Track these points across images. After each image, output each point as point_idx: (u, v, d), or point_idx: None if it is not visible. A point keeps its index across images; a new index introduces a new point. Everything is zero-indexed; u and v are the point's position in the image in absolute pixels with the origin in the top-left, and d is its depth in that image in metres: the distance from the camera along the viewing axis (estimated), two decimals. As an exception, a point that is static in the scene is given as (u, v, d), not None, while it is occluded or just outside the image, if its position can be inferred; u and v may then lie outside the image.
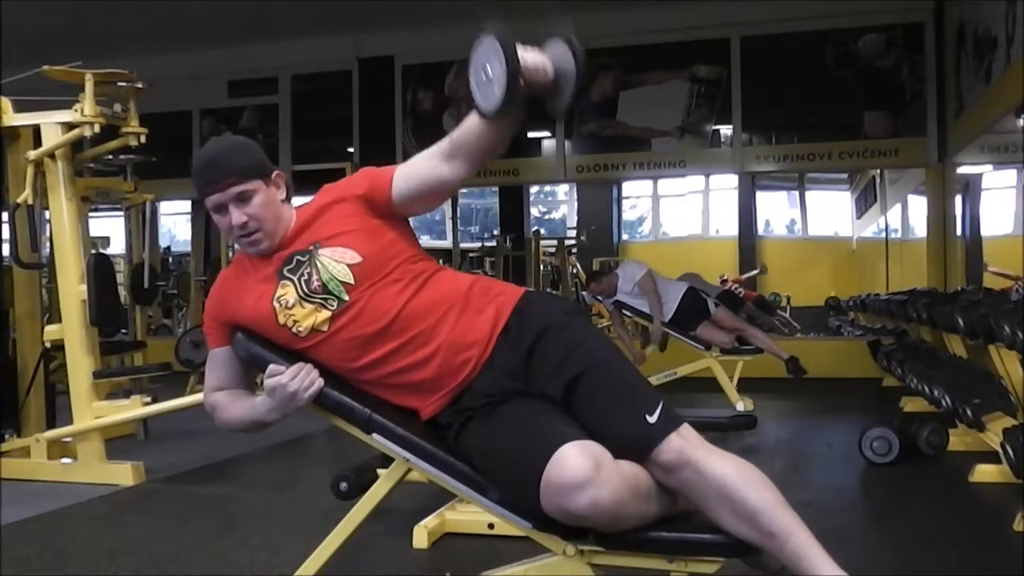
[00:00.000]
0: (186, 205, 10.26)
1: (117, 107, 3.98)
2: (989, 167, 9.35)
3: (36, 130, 3.90)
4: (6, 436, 3.93)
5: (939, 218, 7.29)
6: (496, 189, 10.98)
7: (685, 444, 1.54)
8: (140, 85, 4.02)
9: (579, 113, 8.03)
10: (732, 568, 1.58)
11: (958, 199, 8.23)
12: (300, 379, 1.67)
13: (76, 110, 3.79)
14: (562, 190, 14.66)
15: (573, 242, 11.31)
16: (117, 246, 8.78)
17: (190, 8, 7.14)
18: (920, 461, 3.86)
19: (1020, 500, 2.86)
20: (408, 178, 1.73)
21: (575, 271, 10.91)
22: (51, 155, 3.85)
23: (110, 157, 5.19)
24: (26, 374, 4.04)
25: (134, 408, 3.93)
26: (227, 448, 4.34)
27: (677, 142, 7.86)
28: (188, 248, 10.00)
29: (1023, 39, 4.81)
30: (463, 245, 10.76)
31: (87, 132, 3.79)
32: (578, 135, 8.09)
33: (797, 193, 13.84)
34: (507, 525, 1.66)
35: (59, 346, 3.95)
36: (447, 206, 9.98)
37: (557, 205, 15.40)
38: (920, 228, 8.90)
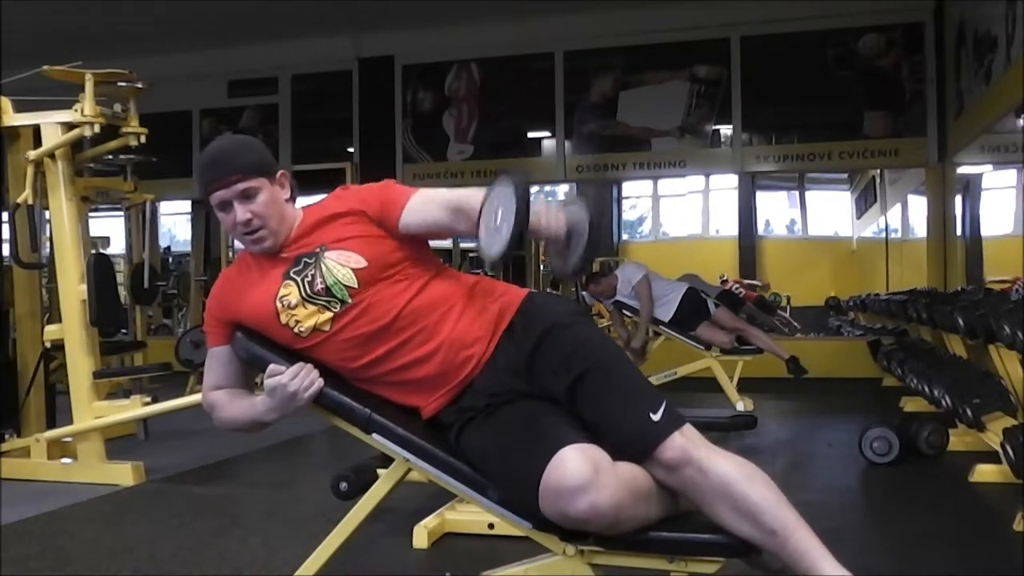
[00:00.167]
0: (186, 205, 10.26)
1: (117, 107, 3.97)
2: (989, 167, 9.36)
3: (36, 130, 3.90)
4: (6, 436, 3.93)
5: (939, 218, 7.29)
6: (496, 189, 10.96)
7: (688, 442, 1.54)
8: (140, 85, 4.02)
9: (579, 113, 8.04)
10: (732, 568, 1.58)
11: (958, 199, 8.24)
12: (300, 379, 1.67)
13: (76, 110, 3.79)
14: (562, 190, 14.65)
15: (573, 242, 11.28)
16: (117, 246, 8.78)
17: (190, 8, 7.14)
18: (920, 461, 3.86)
19: (1020, 500, 2.86)
20: (418, 214, 1.72)
21: (575, 271, 10.89)
22: (51, 155, 3.85)
23: (110, 157, 5.19)
24: (26, 374, 4.04)
25: (134, 408, 3.93)
26: (227, 448, 4.34)
27: (677, 142, 7.86)
28: (188, 248, 10.01)
29: (1023, 39, 4.81)
30: (463, 245, 10.73)
31: (87, 132, 3.79)
32: (578, 135, 8.09)
33: (797, 193, 13.86)
34: (507, 525, 1.66)
35: (59, 346, 3.95)
36: (447, 206, 9.96)
37: (557, 205, 15.40)
38: (920, 228, 8.90)
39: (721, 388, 5.36)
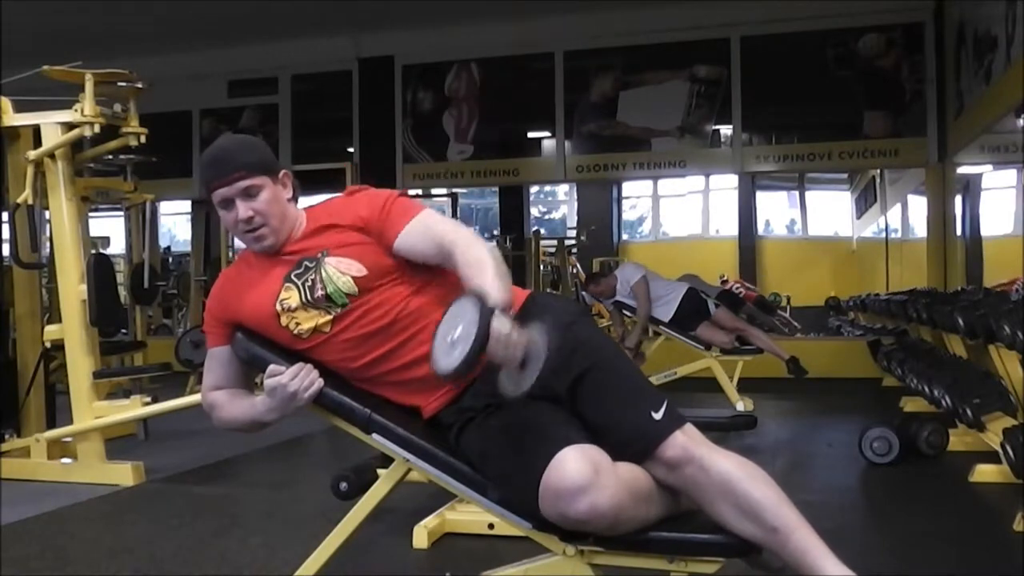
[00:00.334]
0: (186, 205, 10.26)
1: (117, 107, 3.97)
2: (989, 167, 9.37)
3: (36, 130, 3.90)
4: (6, 436, 3.93)
5: (939, 218, 7.29)
6: (496, 189, 10.98)
7: (689, 441, 1.55)
8: (140, 85, 4.01)
9: (579, 113, 8.03)
10: (732, 568, 1.58)
11: (958, 199, 8.24)
12: (300, 379, 1.67)
13: (76, 110, 3.79)
14: (562, 190, 14.67)
15: (573, 242, 11.31)
16: (117, 246, 8.77)
17: (190, 8, 7.14)
18: (920, 461, 3.86)
19: (1020, 500, 2.86)
20: (412, 242, 1.71)
21: (575, 271, 10.91)
22: (51, 155, 3.85)
23: (110, 157, 5.19)
24: (26, 374, 4.04)
25: (134, 408, 3.93)
26: (227, 448, 4.34)
27: (677, 142, 7.85)
28: (188, 248, 10.00)
29: (1023, 39, 4.81)
30: (463, 245, 10.73)
31: (87, 132, 3.79)
32: (578, 135, 8.09)
33: (797, 193, 13.86)
34: (507, 525, 1.66)
35: (59, 346, 3.95)
36: (447, 206, 9.98)
37: (557, 205, 15.41)
38: (920, 228, 8.91)
39: (721, 388, 5.36)
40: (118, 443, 4.37)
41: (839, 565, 1.47)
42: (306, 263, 1.73)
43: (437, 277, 1.76)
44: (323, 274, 1.70)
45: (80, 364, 3.84)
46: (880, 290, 9.27)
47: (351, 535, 1.82)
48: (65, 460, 3.89)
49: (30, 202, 3.83)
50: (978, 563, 2.56)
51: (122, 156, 5.42)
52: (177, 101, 8.29)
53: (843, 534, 2.72)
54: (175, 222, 12.36)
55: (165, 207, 10.38)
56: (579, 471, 1.45)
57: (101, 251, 7.10)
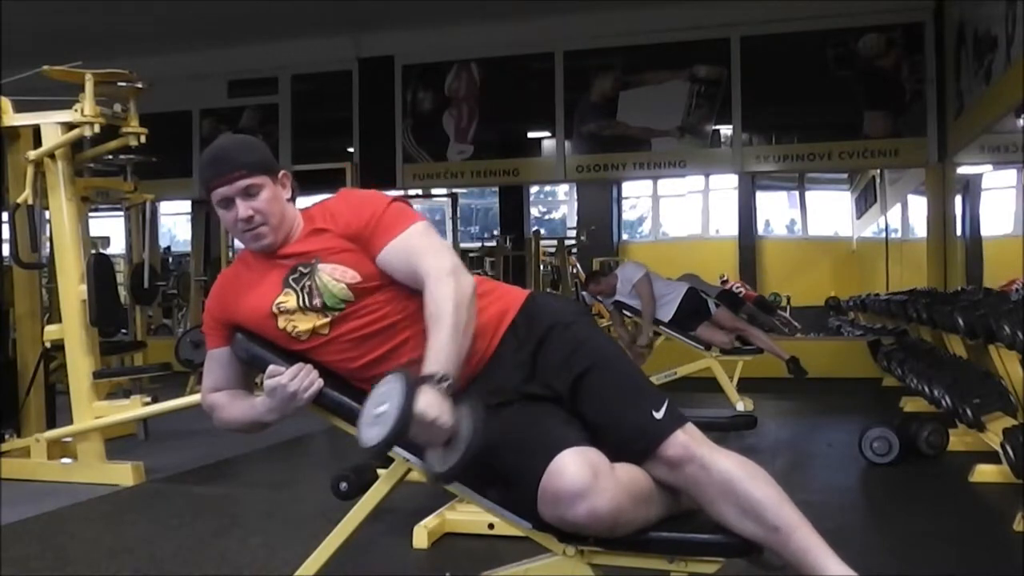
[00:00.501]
0: (186, 205, 10.26)
1: (117, 107, 3.97)
2: (989, 167, 9.37)
3: (36, 130, 3.90)
4: (6, 436, 3.93)
5: (939, 218, 7.29)
6: (496, 189, 10.98)
7: (690, 440, 1.55)
8: (140, 85, 4.01)
9: (579, 113, 8.03)
10: (732, 568, 1.58)
11: (958, 199, 8.24)
12: (300, 379, 1.67)
13: (76, 110, 3.79)
14: (562, 190, 14.67)
15: (573, 242, 11.31)
16: (117, 246, 8.77)
17: (190, 8, 7.13)
18: (920, 461, 3.86)
19: (1020, 500, 2.86)
20: (391, 259, 1.69)
21: (575, 271, 10.91)
22: (51, 155, 3.85)
23: (110, 157, 5.19)
24: (26, 374, 4.04)
25: (134, 408, 3.93)
26: (227, 448, 4.34)
27: (677, 142, 7.85)
28: (188, 248, 10.00)
29: (1023, 39, 4.81)
30: (463, 245, 10.76)
31: (87, 132, 3.79)
32: (578, 135, 8.09)
33: (797, 193, 13.86)
34: (507, 525, 1.66)
35: (59, 346, 3.95)
36: (447, 206, 9.98)
37: (557, 205, 15.41)
38: (920, 228, 8.91)
39: (721, 388, 5.36)
40: (118, 443, 4.37)
41: (841, 564, 1.47)
42: (301, 269, 1.72)
43: None
44: (318, 282, 1.70)
45: (80, 364, 3.84)
46: (880, 290, 9.28)
47: (351, 535, 1.81)
48: (65, 460, 3.89)
49: (30, 202, 3.83)
50: (978, 563, 2.56)
51: (122, 156, 5.42)
52: (177, 101, 8.29)
53: (843, 534, 2.72)
54: (175, 222, 12.36)
55: (165, 207, 10.38)
56: (578, 475, 1.45)
57: (101, 251, 7.10)
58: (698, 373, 5.49)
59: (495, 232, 10.68)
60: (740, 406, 5.25)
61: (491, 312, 1.73)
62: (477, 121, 8.28)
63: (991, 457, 3.40)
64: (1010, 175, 10.52)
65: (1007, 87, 5.13)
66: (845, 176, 12.85)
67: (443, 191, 9.75)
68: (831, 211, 13.97)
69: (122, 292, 5.71)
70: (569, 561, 1.58)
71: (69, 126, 3.82)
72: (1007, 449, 3.08)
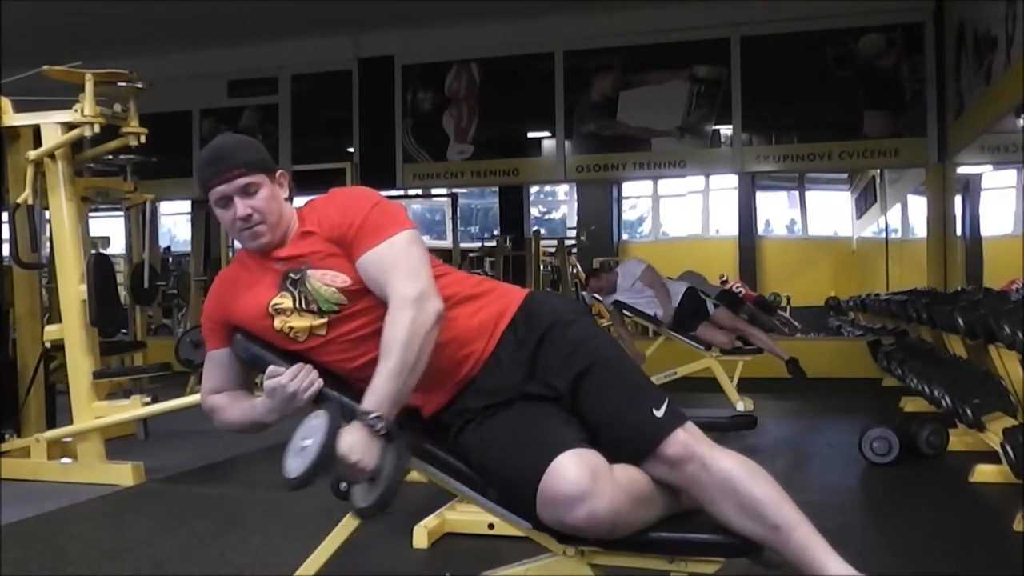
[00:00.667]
0: (186, 205, 10.26)
1: (117, 107, 3.97)
2: (989, 167, 9.37)
3: (36, 130, 3.90)
4: (6, 436, 3.93)
5: (939, 218, 7.29)
6: (496, 189, 10.98)
7: (691, 438, 1.55)
8: (140, 85, 4.01)
9: (579, 113, 8.04)
10: (732, 568, 1.58)
11: (958, 199, 8.24)
12: (299, 380, 1.67)
13: (76, 110, 3.79)
14: (562, 190, 14.67)
15: (573, 242, 11.31)
16: (117, 246, 8.78)
17: (190, 8, 7.14)
18: (920, 461, 3.86)
19: (1020, 500, 2.86)
20: (366, 269, 1.68)
21: (575, 271, 10.92)
22: (51, 155, 3.85)
23: (110, 157, 5.19)
24: (26, 374, 4.04)
25: (134, 408, 3.93)
26: (227, 448, 4.34)
27: (677, 142, 7.85)
28: (188, 248, 10.00)
29: (1023, 39, 4.81)
30: (463, 245, 10.74)
31: (87, 132, 3.79)
32: (578, 135, 8.09)
33: (797, 193, 13.86)
34: (507, 525, 1.66)
35: (59, 346, 3.95)
36: (447, 206, 9.98)
37: (557, 205, 15.41)
38: (920, 228, 8.91)
39: (721, 388, 5.36)
40: (118, 443, 4.37)
41: (841, 562, 1.47)
42: (291, 275, 1.72)
43: (435, 278, 1.75)
44: (309, 287, 1.70)
45: (80, 364, 3.84)
46: (880, 290, 9.27)
47: (351, 535, 1.82)
48: (65, 460, 3.89)
49: (30, 202, 3.83)
50: (978, 563, 2.56)
51: (122, 156, 5.43)
52: (177, 101, 8.29)
53: (843, 534, 2.72)
54: (175, 222, 12.36)
55: (165, 207, 10.39)
56: (577, 478, 1.45)
57: (101, 251, 7.10)
58: (698, 373, 5.48)
59: (495, 232, 10.68)
60: (740, 406, 5.25)
61: (490, 311, 1.73)
62: (477, 121, 8.28)
63: (991, 457, 3.40)
64: (1010, 175, 10.52)
65: (1007, 87, 5.13)
66: (845, 176, 12.85)
67: (443, 191, 9.76)
68: (831, 211, 13.97)
69: (122, 292, 5.71)
70: (569, 561, 1.58)
71: (69, 126, 3.82)
72: (1007, 449, 3.08)
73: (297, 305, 1.71)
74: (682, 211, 14.25)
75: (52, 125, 3.84)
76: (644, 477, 1.54)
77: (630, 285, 5.66)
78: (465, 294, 1.75)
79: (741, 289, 9.75)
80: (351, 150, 8.57)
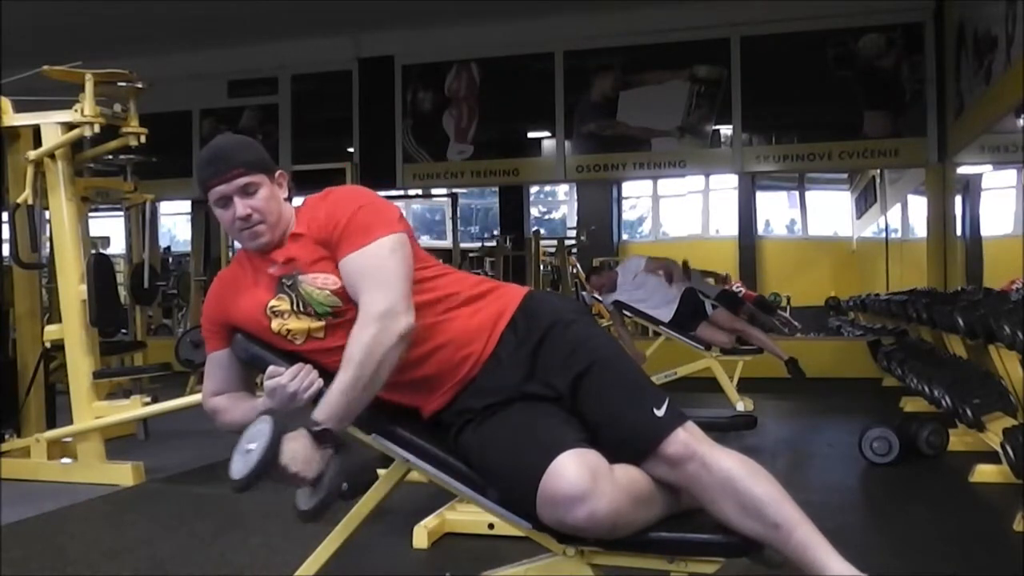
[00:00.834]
0: (186, 205, 10.27)
1: (117, 107, 3.97)
2: (989, 167, 9.38)
3: (36, 130, 3.90)
4: (6, 436, 3.93)
5: (939, 218, 7.29)
6: (496, 189, 10.98)
7: (691, 437, 1.55)
8: (140, 85, 4.01)
9: (579, 113, 8.03)
10: (732, 568, 1.58)
11: (958, 199, 8.24)
12: (300, 380, 1.67)
13: (76, 110, 3.79)
14: (562, 190, 14.67)
15: (573, 242, 11.31)
16: (117, 246, 8.77)
17: (190, 8, 7.13)
18: (920, 461, 3.86)
19: (1020, 500, 2.86)
20: (346, 274, 1.68)
21: (575, 271, 10.91)
22: (51, 155, 3.85)
23: (110, 157, 5.19)
24: (26, 374, 4.04)
25: (134, 408, 3.93)
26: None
27: (677, 142, 7.85)
28: (188, 248, 10.00)
29: (1023, 39, 4.81)
30: (463, 245, 10.75)
31: (87, 132, 3.79)
32: (578, 135, 8.09)
33: (797, 193, 13.87)
34: (507, 525, 1.66)
35: (59, 346, 3.95)
36: (447, 206, 9.98)
37: (557, 205, 15.41)
38: (920, 228, 8.91)
39: (721, 388, 5.36)
40: (118, 443, 4.37)
41: (842, 561, 1.47)
42: (284, 281, 1.72)
43: (434, 278, 1.75)
44: (302, 292, 1.70)
45: (80, 364, 3.84)
46: (880, 290, 9.27)
47: (351, 535, 1.82)
48: (65, 460, 3.89)
49: (30, 202, 3.83)
50: (978, 563, 2.56)
51: (122, 156, 5.42)
52: (177, 101, 8.29)
53: (843, 534, 2.71)
54: (175, 222, 12.36)
55: (165, 207, 10.38)
56: (577, 478, 1.45)
57: (101, 251, 7.09)
58: (698, 373, 5.48)
59: (495, 232, 10.68)
60: (740, 406, 5.25)
61: (489, 311, 1.73)
62: (477, 121, 8.28)
63: (991, 457, 3.40)
64: (1010, 175, 10.52)
65: (1007, 87, 5.13)
66: (845, 176, 12.85)
67: (443, 191, 9.76)
68: (831, 211, 13.98)
69: (122, 292, 5.71)
70: (569, 561, 1.58)
71: (69, 126, 3.82)
72: (1007, 449, 3.08)
73: (294, 307, 1.71)
74: (682, 211, 14.26)
75: (52, 125, 3.84)
76: (644, 477, 1.54)
77: (631, 279, 5.67)
78: (465, 294, 1.75)
79: (741, 289, 9.75)
80: (351, 150, 8.57)
